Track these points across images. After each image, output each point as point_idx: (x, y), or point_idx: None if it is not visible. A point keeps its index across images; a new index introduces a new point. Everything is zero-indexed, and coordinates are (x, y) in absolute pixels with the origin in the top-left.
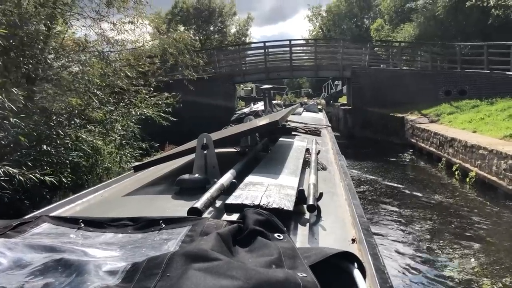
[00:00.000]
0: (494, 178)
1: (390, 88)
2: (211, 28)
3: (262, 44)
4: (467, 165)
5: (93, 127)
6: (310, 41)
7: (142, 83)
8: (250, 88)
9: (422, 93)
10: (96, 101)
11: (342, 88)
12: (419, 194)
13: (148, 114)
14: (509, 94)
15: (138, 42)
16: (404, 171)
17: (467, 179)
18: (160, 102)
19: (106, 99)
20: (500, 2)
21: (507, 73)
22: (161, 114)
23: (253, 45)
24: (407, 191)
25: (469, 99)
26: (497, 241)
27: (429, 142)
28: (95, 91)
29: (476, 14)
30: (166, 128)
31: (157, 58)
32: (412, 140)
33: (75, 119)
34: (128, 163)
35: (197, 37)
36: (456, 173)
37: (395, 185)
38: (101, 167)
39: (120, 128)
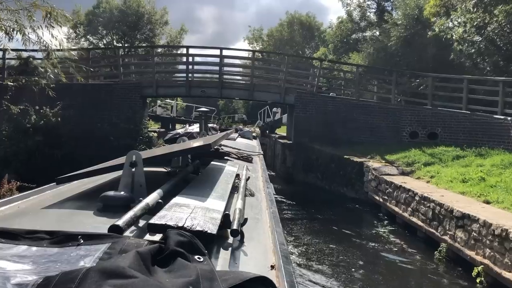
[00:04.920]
0: None
1: (344, 123)
2: (138, 36)
3: (184, 51)
4: (508, 276)
5: None
6: (248, 53)
7: None
8: (169, 106)
9: (382, 132)
10: None
11: (281, 116)
12: None
13: None
14: (497, 143)
15: None
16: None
17: None
18: None
19: None
20: (465, 36)
21: (495, 116)
22: None
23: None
24: None
25: (445, 145)
26: None
27: (411, 209)
28: None
29: (432, 49)
30: (30, 150)
31: None
32: (377, 198)
33: None
34: None
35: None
36: (479, 280)
37: None
38: None
39: None
